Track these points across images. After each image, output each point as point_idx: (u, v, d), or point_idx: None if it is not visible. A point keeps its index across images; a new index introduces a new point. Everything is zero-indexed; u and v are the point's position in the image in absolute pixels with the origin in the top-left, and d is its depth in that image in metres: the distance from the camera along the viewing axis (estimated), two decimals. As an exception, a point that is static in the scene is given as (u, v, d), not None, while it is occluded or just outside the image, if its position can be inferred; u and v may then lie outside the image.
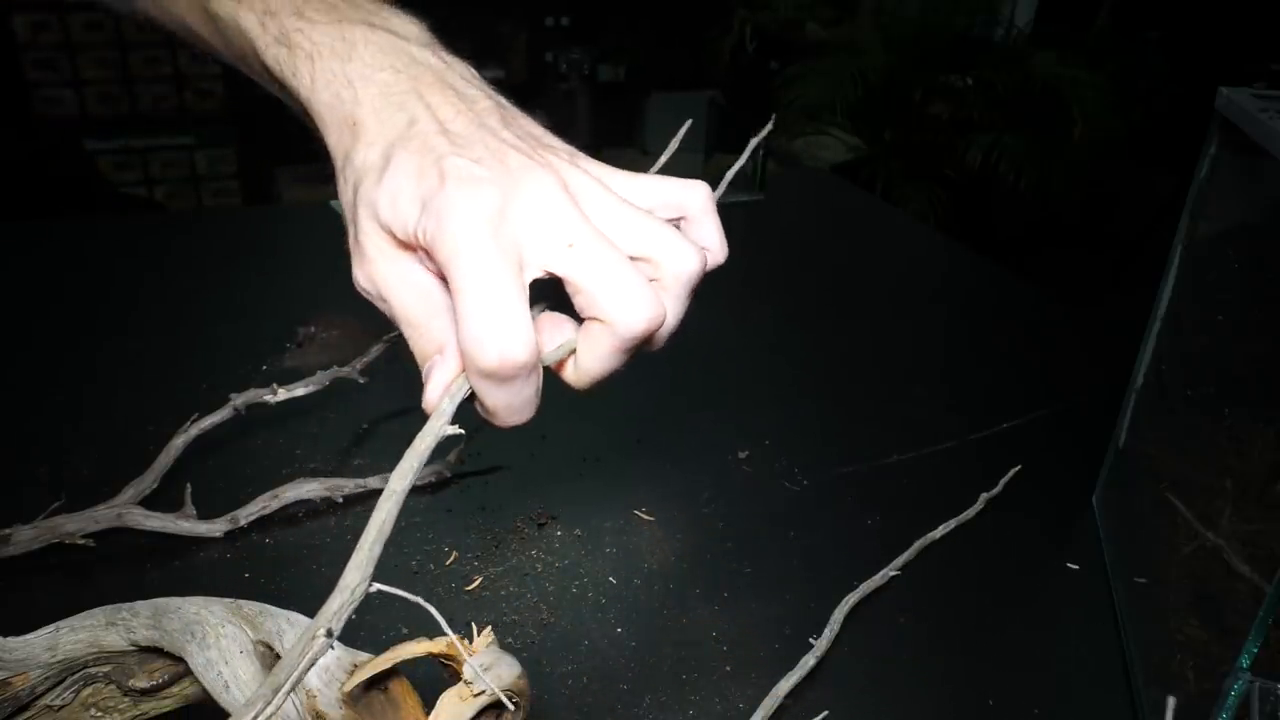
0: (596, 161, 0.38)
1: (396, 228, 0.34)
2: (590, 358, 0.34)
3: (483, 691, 0.37)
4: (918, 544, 0.63)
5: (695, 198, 0.37)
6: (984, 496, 0.68)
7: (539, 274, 0.33)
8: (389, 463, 0.69)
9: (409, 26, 0.39)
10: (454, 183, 0.33)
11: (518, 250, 0.33)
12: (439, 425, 0.33)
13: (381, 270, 0.35)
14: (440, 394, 0.34)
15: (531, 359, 0.33)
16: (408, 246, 0.35)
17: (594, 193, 0.35)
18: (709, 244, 0.37)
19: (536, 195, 0.33)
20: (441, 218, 0.32)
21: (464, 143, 0.34)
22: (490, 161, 0.34)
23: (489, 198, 0.33)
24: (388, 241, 0.35)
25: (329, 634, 0.28)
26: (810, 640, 0.54)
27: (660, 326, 0.34)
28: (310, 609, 0.40)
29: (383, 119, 0.36)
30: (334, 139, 0.37)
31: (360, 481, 0.65)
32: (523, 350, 0.32)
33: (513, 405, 0.34)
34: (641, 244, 0.34)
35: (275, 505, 0.62)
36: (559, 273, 0.33)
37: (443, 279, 0.34)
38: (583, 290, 0.33)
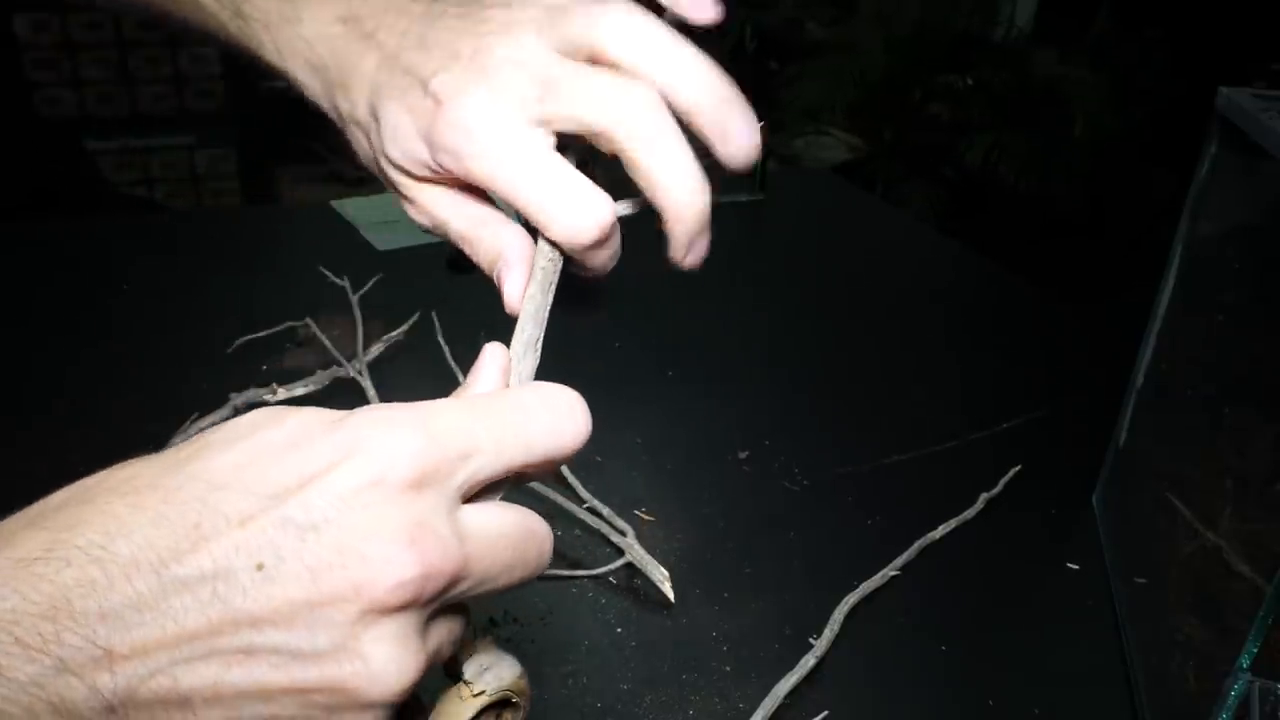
0: None
1: (415, 168, 0.35)
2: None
3: (483, 691, 0.37)
4: (918, 544, 0.63)
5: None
6: (984, 496, 0.68)
7: (559, 127, 0.33)
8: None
9: None
10: (446, 106, 0.33)
11: (538, 124, 0.33)
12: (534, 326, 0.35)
13: (424, 205, 0.37)
14: (519, 297, 0.35)
15: (612, 212, 0.33)
16: (432, 179, 0.36)
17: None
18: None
19: (508, 63, 0.33)
20: (455, 151, 0.33)
21: (433, 46, 0.34)
22: (465, 59, 0.33)
23: (481, 102, 0.33)
24: (414, 180, 0.36)
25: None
26: (810, 640, 0.54)
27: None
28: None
29: (350, 73, 0.36)
30: (325, 104, 0.38)
31: (360, 481, 0.64)
32: (606, 210, 0.33)
33: (614, 253, 0.35)
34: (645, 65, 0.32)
35: (275, 505, 0.62)
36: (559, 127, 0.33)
37: (471, 189, 0.36)
38: (594, 131, 0.32)
